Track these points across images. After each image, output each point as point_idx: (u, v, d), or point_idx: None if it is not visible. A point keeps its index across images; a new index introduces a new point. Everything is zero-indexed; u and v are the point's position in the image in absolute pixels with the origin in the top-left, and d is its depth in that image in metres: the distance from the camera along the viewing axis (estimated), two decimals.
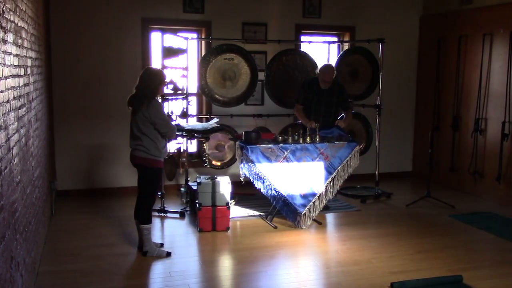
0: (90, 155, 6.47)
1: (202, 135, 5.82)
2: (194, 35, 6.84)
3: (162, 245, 4.71)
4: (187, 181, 6.47)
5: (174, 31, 6.27)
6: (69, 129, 6.35)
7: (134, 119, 4.36)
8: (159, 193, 5.80)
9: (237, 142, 5.44)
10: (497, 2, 6.37)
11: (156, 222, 5.55)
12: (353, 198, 6.59)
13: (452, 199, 6.44)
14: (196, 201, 5.26)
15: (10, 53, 3.00)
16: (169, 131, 4.41)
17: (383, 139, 6.96)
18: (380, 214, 6.00)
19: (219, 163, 6.75)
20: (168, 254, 4.47)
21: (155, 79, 4.38)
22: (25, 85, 3.63)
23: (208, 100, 6.61)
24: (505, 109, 6.24)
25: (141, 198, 4.52)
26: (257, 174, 5.19)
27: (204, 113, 6.88)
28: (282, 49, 6.55)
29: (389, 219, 5.77)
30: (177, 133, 5.64)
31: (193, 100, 6.63)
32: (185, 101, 6.20)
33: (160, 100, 4.94)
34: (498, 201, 6.40)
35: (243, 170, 5.26)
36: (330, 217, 5.83)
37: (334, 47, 7.35)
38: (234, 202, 5.89)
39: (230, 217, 5.26)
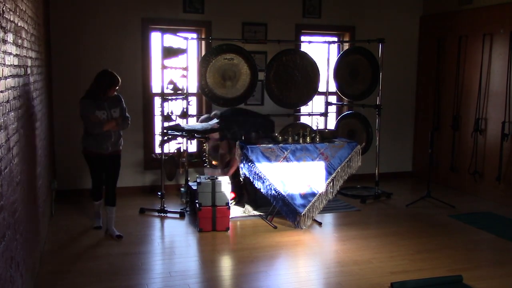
0: None
1: (202, 135, 5.82)
2: (194, 35, 6.85)
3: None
4: (187, 181, 6.47)
5: (174, 31, 6.27)
6: (69, 129, 6.34)
7: None
8: (159, 193, 5.81)
9: (237, 142, 5.44)
10: (497, 2, 6.37)
11: (156, 222, 5.56)
12: (353, 198, 6.60)
13: (452, 199, 6.44)
14: (196, 201, 5.26)
15: (10, 53, 3.00)
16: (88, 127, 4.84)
17: (383, 139, 6.96)
18: (380, 214, 6.00)
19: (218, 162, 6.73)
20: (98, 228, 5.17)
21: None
22: (25, 85, 3.63)
23: (208, 100, 6.60)
24: (505, 109, 6.24)
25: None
26: (257, 174, 5.19)
27: (204, 113, 6.87)
28: (282, 49, 6.55)
29: (389, 219, 5.77)
30: (177, 133, 5.68)
31: (193, 100, 6.64)
32: (185, 101, 6.20)
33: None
34: (498, 201, 6.40)
35: (243, 170, 5.26)
36: (330, 217, 5.83)
37: (334, 47, 7.35)
38: (234, 203, 5.89)
39: (230, 217, 5.26)
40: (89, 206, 5.67)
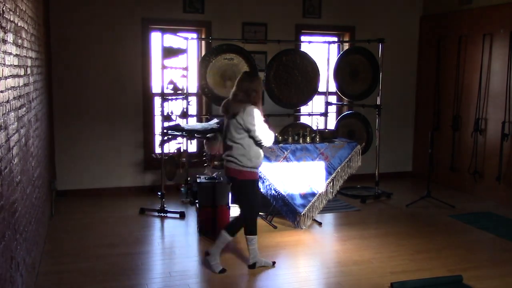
0: (90, 155, 6.47)
1: (202, 135, 5.81)
2: (194, 35, 6.84)
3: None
4: (187, 181, 6.48)
5: (174, 31, 6.27)
6: (69, 129, 6.35)
7: (230, 125, 4.08)
8: (159, 193, 5.81)
9: None
10: (497, 2, 6.37)
11: (156, 222, 5.56)
12: (353, 198, 6.60)
13: (452, 199, 6.44)
14: (196, 201, 5.25)
15: (10, 53, 3.00)
16: (263, 140, 4.06)
17: (383, 139, 6.96)
18: (380, 214, 6.00)
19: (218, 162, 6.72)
20: (222, 271, 4.17)
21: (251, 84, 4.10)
22: (25, 85, 3.63)
23: (208, 100, 6.60)
24: (505, 109, 6.24)
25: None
26: None
27: (204, 113, 6.88)
28: (282, 49, 6.54)
29: (389, 219, 5.77)
30: (177, 133, 5.67)
31: (193, 100, 6.64)
32: (185, 101, 6.20)
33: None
34: (498, 201, 6.40)
35: None
36: (330, 217, 5.83)
37: (334, 47, 7.35)
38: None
39: (230, 217, 5.26)
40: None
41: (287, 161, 5.26)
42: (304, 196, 5.31)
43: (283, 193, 5.24)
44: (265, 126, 4.08)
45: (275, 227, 5.32)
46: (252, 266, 4.25)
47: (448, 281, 4.00)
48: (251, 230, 4.22)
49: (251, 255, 4.26)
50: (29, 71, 3.89)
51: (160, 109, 5.70)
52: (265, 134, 4.05)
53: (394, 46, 7.24)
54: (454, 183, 7.15)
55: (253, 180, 4.13)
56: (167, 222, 5.56)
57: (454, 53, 7.01)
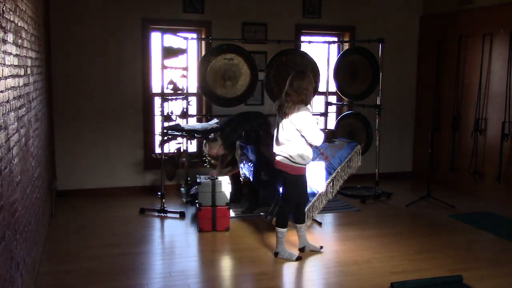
0: (90, 155, 6.47)
1: (202, 135, 5.82)
2: (194, 35, 6.85)
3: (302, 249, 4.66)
4: (187, 181, 6.48)
5: (174, 31, 6.27)
6: (69, 129, 6.35)
7: (282, 123, 4.31)
8: (159, 193, 5.81)
9: (237, 142, 5.43)
10: (497, 2, 6.37)
11: (156, 222, 5.56)
12: (353, 198, 6.59)
13: (452, 199, 6.44)
14: (196, 201, 5.25)
15: (10, 53, 3.00)
16: (314, 141, 4.29)
17: (383, 139, 6.96)
18: (380, 214, 6.00)
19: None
20: (298, 258, 4.43)
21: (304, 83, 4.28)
22: (25, 85, 3.63)
23: (208, 100, 6.60)
24: (505, 109, 6.24)
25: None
26: None
27: (204, 113, 6.88)
28: (282, 49, 6.54)
29: (389, 219, 5.77)
30: (177, 133, 5.67)
31: (193, 100, 6.64)
32: (185, 101, 6.20)
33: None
34: (498, 201, 6.40)
35: (243, 170, 5.26)
36: (330, 217, 5.83)
37: (334, 47, 7.35)
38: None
39: (230, 217, 5.26)
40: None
41: None
42: None
43: None
44: (316, 126, 4.31)
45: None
46: (302, 250, 4.61)
47: (448, 281, 3.99)
48: (302, 218, 4.63)
49: (300, 239, 4.62)
50: (29, 71, 3.89)
51: (160, 109, 5.70)
52: (316, 135, 4.27)
53: (394, 46, 7.23)
54: (454, 183, 7.15)
55: (303, 174, 4.46)
56: (167, 222, 5.56)
57: (454, 53, 7.01)
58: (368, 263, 4.39)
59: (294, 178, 4.39)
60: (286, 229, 4.47)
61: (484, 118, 6.61)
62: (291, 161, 4.31)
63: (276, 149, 4.41)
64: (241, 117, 5.99)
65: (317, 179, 5.36)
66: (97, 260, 4.37)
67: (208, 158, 6.57)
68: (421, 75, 7.75)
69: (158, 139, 6.39)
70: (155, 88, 6.65)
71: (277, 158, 4.40)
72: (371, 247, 4.81)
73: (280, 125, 4.34)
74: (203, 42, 6.80)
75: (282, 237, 4.46)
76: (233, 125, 5.78)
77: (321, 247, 4.67)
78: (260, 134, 5.50)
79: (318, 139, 4.30)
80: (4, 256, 2.52)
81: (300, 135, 4.25)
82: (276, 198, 5.27)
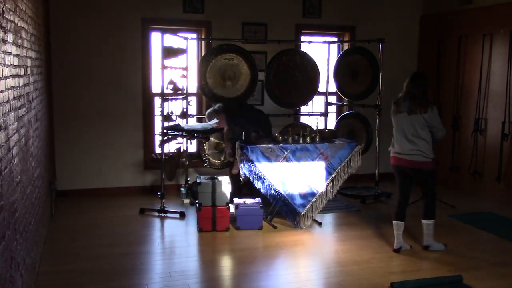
0: (90, 155, 6.47)
1: (202, 135, 5.82)
2: (194, 35, 6.84)
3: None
4: (187, 181, 6.48)
5: (174, 31, 6.27)
6: (69, 129, 6.35)
7: (410, 122, 4.56)
8: (159, 193, 5.81)
9: (237, 142, 5.44)
10: (497, 2, 6.37)
11: (156, 222, 5.56)
12: (353, 198, 6.59)
13: (452, 199, 6.43)
14: (196, 201, 5.26)
15: (10, 53, 3.00)
16: (441, 135, 4.65)
17: (383, 139, 6.95)
18: (380, 214, 5.99)
19: (218, 162, 6.73)
20: (445, 246, 4.72)
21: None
22: (25, 85, 3.63)
23: (208, 100, 6.60)
24: (505, 109, 6.24)
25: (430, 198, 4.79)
26: (257, 174, 5.19)
27: (204, 113, 6.87)
28: (282, 49, 6.54)
29: (389, 219, 5.74)
30: (177, 133, 5.68)
31: (193, 100, 6.64)
32: (185, 101, 6.20)
33: None
34: (498, 201, 6.40)
35: (243, 170, 5.26)
36: (330, 217, 5.83)
37: (334, 47, 7.35)
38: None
39: (230, 217, 5.26)
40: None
41: (287, 161, 5.26)
42: (304, 196, 5.31)
43: (283, 193, 5.24)
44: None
45: (275, 227, 5.32)
46: (426, 248, 4.71)
47: (448, 281, 3.99)
48: (433, 214, 4.75)
49: (425, 237, 4.72)
50: (29, 71, 3.89)
51: (160, 109, 5.70)
52: (443, 130, 4.65)
53: (394, 46, 7.23)
54: (454, 183, 7.15)
55: (434, 169, 4.72)
56: (167, 222, 5.56)
57: (454, 53, 7.01)
58: (368, 263, 4.39)
59: (431, 172, 4.66)
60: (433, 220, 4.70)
61: (484, 118, 6.61)
62: (425, 157, 4.54)
63: (407, 149, 4.57)
64: (249, 110, 6.19)
65: (317, 179, 5.37)
66: (97, 260, 4.37)
67: (208, 158, 6.58)
68: None
69: (158, 139, 6.39)
70: (155, 88, 6.65)
71: (410, 158, 4.58)
72: (371, 247, 4.81)
73: (407, 123, 4.57)
74: (203, 42, 6.80)
75: (432, 229, 4.69)
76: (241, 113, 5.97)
77: (446, 245, 4.75)
78: (260, 133, 5.50)
79: (443, 134, 4.65)
80: (4, 256, 2.52)
81: (429, 130, 4.55)
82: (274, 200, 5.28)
